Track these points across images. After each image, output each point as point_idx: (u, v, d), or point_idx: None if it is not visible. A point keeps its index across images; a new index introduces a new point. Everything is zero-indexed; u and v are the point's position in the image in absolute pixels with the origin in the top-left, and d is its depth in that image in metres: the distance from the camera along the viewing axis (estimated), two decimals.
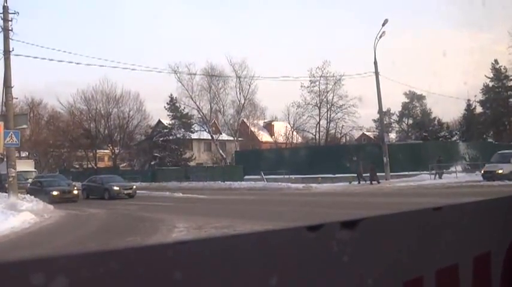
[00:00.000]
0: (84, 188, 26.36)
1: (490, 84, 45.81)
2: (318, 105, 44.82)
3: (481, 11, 68.11)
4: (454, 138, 43.63)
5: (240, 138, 61.13)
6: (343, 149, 35.60)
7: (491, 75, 45.60)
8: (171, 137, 46.57)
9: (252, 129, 59.80)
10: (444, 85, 75.44)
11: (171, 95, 47.27)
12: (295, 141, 54.75)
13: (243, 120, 61.13)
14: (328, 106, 44.42)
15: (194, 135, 50.75)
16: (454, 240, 1.41)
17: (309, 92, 45.48)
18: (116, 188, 24.35)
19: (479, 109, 48.02)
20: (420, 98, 52.70)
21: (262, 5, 78.44)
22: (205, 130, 48.27)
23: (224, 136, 60.21)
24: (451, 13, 70.17)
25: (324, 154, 33.52)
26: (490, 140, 43.71)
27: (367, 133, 56.18)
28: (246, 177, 34.01)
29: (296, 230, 1.01)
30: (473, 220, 1.52)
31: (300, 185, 26.88)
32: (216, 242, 0.84)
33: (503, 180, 22.55)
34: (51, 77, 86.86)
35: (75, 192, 24.01)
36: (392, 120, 54.93)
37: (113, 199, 23.12)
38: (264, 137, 65.22)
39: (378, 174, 26.99)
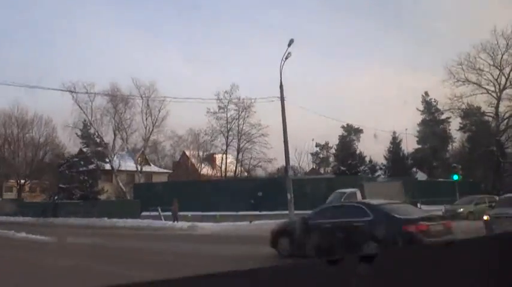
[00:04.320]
0: None
1: (421, 117, 44.07)
2: (226, 133, 41.40)
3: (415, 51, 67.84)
4: (377, 174, 41.19)
5: (167, 170, 57.11)
6: (249, 183, 32.16)
7: (421, 107, 43.93)
8: (83, 168, 41.93)
9: (194, 161, 55.71)
10: (381, 119, 73.99)
11: (85, 120, 42.90)
12: (238, 174, 50.48)
13: (184, 151, 57.29)
14: (239, 135, 41.07)
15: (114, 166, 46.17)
16: (473, 276, 1.52)
17: (217, 119, 41.93)
18: None
19: (412, 144, 46.14)
20: (357, 131, 50.79)
21: (175, 26, 74.54)
22: (107, 161, 42.64)
23: (153, 168, 56.07)
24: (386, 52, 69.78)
25: (229, 189, 29.94)
26: (419, 176, 41.51)
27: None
28: (144, 213, 29.99)
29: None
30: (487, 255, 1.61)
31: (186, 225, 23.15)
32: (238, 275, 0.96)
33: None
34: None
35: None
36: (330, 154, 52.72)
37: None
38: (207, 169, 61.16)
39: (282, 212, 23.72)
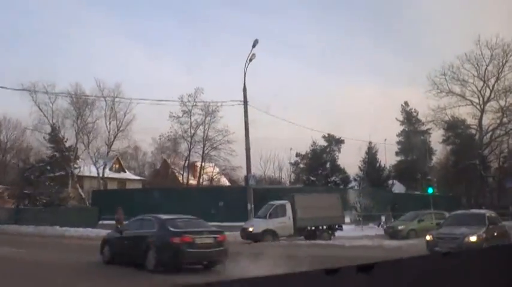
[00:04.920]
0: None
1: (401, 128, 42.70)
2: (189, 139, 39.72)
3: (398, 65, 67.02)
4: (352, 185, 39.67)
5: (142, 178, 55.37)
6: (211, 192, 30.56)
7: (401, 118, 42.58)
8: (51, 174, 40.15)
9: (175, 169, 53.86)
10: (365, 129, 72.13)
11: (54, 123, 41.11)
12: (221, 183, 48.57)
13: (164, 159, 55.61)
14: (204, 141, 39.38)
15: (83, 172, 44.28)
16: (463, 283, 1.55)
17: (180, 124, 40.16)
18: None
19: (391, 155, 44.63)
20: (338, 142, 49.43)
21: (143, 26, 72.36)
22: (76, 167, 40.54)
23: (128, 175, 54.30)
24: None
25: (191, 197, 28.32)
26: (396, 188, 40.06)
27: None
28: (103, 222, 28.31)
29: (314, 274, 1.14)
30: (482, 265, 1.62)
31: None
32: (237, 284, 0.98)
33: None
34: None
35: None
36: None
37: None
38: (188, 177, 59.34)
39: (242, 223, 22.18)
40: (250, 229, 19.98)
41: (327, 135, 48.86)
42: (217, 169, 46.90)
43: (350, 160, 47.13)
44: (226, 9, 70.34)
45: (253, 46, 24.38)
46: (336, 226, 21.57)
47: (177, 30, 72.66)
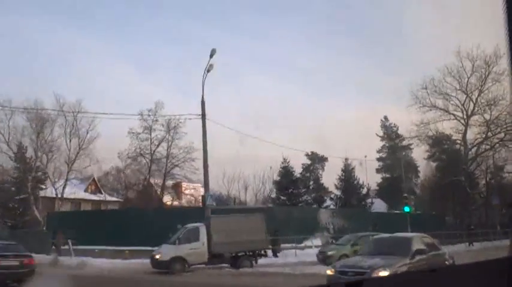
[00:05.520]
0: None
1: (381, 144, 41.10)
2: (149, 157, 37.90)
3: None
4: (326, 204, 37.82)
5: (118, 199, 53.32)
6: (169, 213, 28.69)
7: (381, 133, 41.02)
8: (17, 197, 38.15)
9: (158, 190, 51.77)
10: (349, 147, 70.07)
11: (20, 143, 39.31)
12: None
13: (148, 179, 53.70)
14: (167, 160, 37.57)
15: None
16: None
17: (141, 141, 38.30)
18: None
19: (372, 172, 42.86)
20: (322, 160, 47.88)
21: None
22: (43, 188, 38.43)
23: (105, 196, 52.20)
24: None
25: (152, 219, 26.46)
26: (377, 207, 38.23)
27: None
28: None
29: None
30: (468, 281, 1.65)
31: (76, 261, 19.74)
32: None
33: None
34: None
35: None
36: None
37: None
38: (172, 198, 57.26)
39: None
40: (157, 257, 17.79)
41: (310, 153, 47.46)
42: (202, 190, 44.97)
43: (333, 179, 45.35)
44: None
45: (211, 56, 22.92)
46: (259, 252, 19.21)
47: (163, 49, 71.04)
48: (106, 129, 58.97)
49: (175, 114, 34.60)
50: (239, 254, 18.62)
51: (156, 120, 36.70)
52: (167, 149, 37.64)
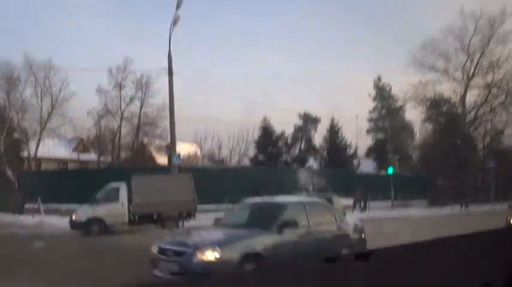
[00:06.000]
0: None
1: (373, 104, 39.41)
2: (120, 116, 36.44)
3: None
4: (309, 164, 36.58)
5: (107, 160, 52.51)
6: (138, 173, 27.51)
7: (373, 93, 39.27)
8: None
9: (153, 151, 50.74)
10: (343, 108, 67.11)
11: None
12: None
13: (142, 140, 52.74)
14: (139, 118, 36.21)
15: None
16: (460, 269, 1.59)
17: (110, 99, 36.33)
18: None
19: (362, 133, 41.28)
20: (315, 121, 46.39)
21: None
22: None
23: (93, 156, 51.39)
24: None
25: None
26: (365, 168, 37.00)
27: None
28: (29, 206, 25.59)
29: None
30: (476, 249, 1.74)
31: (34, 220, 18.94)
32: (240, 275, 1.10)
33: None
34: None
35: None
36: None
37: None
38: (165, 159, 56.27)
39: None
40: (74, 217, 16.72)
41: (302, 114, 46.00)
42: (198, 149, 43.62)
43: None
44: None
45: (177, 8, 21.28)
46: (186, 213, 17.85)
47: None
48: (77, 87, 55.97)
49: (145, 70, 32.81)
50: (163, 215, 17.36)
51: (125, 77, 35.13)
52: (140, 108, 36.24)
